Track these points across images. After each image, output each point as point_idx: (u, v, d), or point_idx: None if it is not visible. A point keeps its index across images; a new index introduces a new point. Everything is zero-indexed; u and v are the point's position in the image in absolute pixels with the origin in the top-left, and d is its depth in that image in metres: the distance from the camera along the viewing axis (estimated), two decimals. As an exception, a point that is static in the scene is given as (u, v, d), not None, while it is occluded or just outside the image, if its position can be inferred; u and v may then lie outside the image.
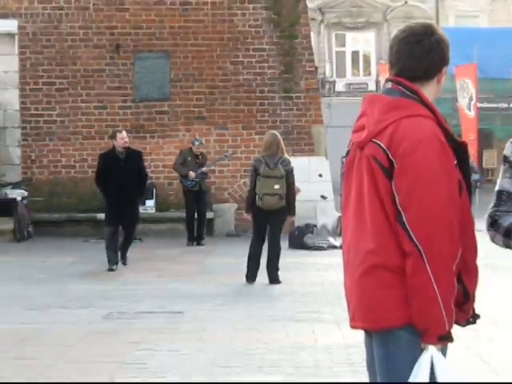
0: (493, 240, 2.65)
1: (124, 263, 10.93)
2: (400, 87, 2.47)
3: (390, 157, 2.37)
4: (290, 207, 9.15)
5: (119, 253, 10.67)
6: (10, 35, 16.35)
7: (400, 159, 2.35)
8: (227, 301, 8.27)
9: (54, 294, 9.00)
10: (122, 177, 10.11)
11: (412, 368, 2.33)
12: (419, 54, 2.49)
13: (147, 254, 12.48)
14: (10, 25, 16.31)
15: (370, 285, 2.40)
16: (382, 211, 2.38)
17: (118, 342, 6.56)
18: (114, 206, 10.42)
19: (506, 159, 2.71)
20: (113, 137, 10.78)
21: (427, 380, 2.31)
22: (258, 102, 16.12)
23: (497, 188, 2.69)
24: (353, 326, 2.49)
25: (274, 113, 16.06)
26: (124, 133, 11.13)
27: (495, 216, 2.63)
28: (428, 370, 2.32)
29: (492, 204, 2.66)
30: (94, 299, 8.63)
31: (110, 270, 10.17)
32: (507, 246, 2.60)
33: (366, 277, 2.41)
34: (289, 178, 9.37)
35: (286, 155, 9.58)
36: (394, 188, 2.36)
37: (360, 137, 2.46)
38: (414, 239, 2.34)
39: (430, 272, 2.33)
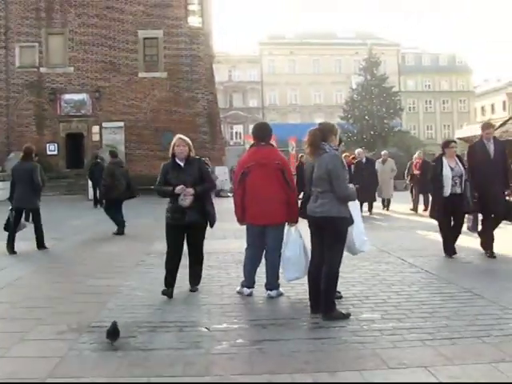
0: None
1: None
2: (268, 144, 5.86)
3: (281, 166, 5.80)
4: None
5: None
6: (121, 127, 28.43)
7: (284, 166, 5.86)
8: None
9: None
10: None
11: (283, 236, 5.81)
12: (266, 133, 5.90)
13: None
14: (120, 124, 28.48)
15: (280, 208, 5.76)
16: (279, 183, 5.81)
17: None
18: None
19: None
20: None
21: (293, 239, 5.67)
22: (203, 150, 25.21)
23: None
24: (260, 223, 5.76)
25: (210, 153, 26.40)
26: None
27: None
28: (289, 236, 5.74)
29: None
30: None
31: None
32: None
33: (279, 205, 5.73)
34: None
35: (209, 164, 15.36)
36: (285, 176, 5.83)
37: (265, 161, 5.74)
38: (291, 190, 5.81)
39: (295, 202, 5.78)
